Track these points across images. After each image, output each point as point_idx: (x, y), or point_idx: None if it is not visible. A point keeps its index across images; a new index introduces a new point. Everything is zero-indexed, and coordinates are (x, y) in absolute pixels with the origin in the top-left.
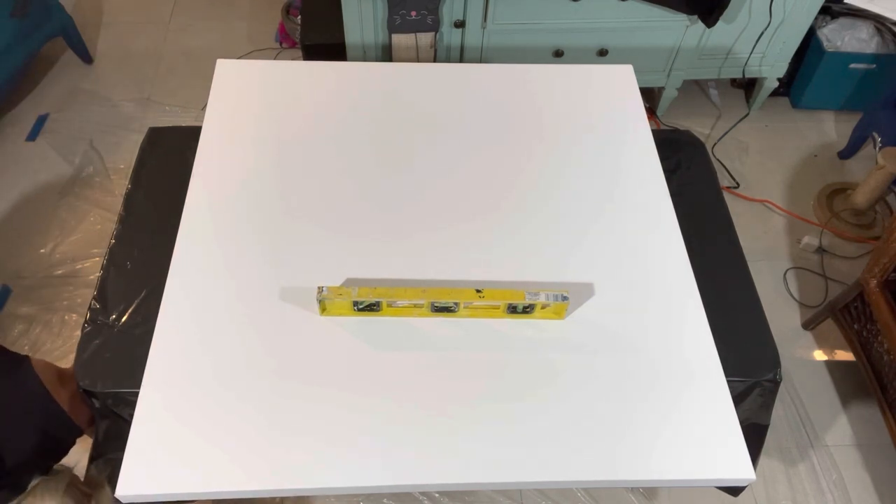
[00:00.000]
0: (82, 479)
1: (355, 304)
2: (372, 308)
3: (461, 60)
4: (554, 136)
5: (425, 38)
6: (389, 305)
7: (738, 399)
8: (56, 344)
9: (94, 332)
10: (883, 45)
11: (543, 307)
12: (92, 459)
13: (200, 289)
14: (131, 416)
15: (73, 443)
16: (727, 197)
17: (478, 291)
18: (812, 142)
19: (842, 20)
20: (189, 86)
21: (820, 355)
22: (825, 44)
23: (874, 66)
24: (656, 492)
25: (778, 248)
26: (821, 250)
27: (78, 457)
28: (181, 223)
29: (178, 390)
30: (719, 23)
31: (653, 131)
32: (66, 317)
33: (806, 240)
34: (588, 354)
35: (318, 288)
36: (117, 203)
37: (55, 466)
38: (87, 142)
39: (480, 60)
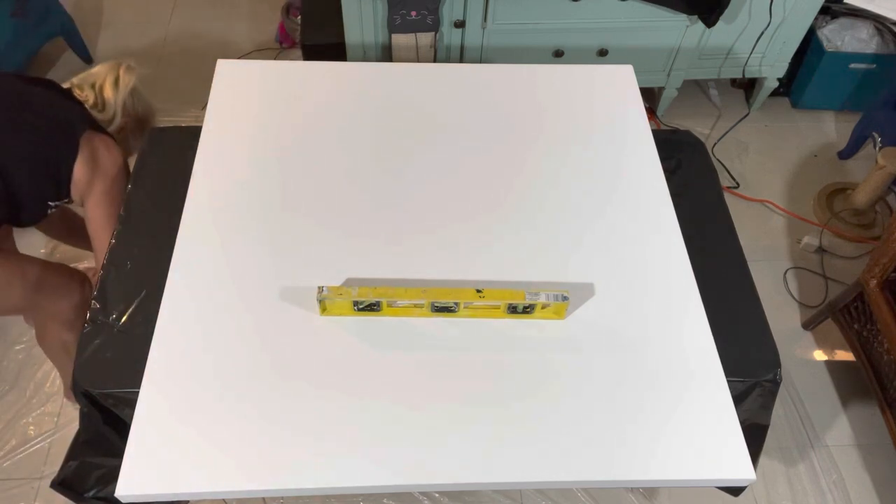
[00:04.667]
0: (56, 480)
1: (355, 303)
2: (372, 308)
3: (461, 60)
4: (554, 136)
5: (425, 38)
6: (390, 305)
7: (738, 399)
8: None
9: (95, 333)
10: (883, 45)
11: (544, 307)
12: (67, 461)
13: (201, 289)
14: (131, 416)
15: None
16: (727, 197)
17: (478, 291)
18: (812, 142)
19: (842, 20)
20: (189, 86)
21: (820, 355)
22: (825, 44)
23: (874, 66)
24: (656, 491)
25: (778, 248)
26: (821, 250)
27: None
28: (181, 223)
29: (179, 390)
30: (719, 23)
31: (653, 131)
32: None
33: (806, 240)
34: (588, 354)
35: (319, 288)
36: None
37: None
38: None
39: (480, 60)
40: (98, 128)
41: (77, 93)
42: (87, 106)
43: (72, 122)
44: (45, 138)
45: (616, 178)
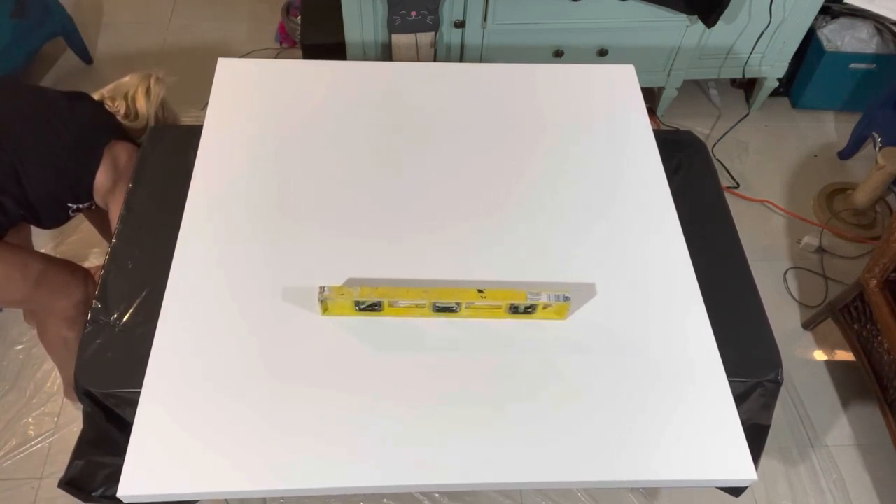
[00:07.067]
0: (64, 479)
1: (357, 304)
2: (373, 308)
3: (461, 60)
4: (555, 136)
5: (425, 38)
6: (391, 305)
7: (740, 399)
8: None
9: (96, 332)
10: (883, 45)
11: (545, 307)
12: (73, 460)
13: (202, 289)
14: (133, 416)
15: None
16: (727, 197)
17: (479, 291)
18: (812, 142)
19: (842, 20)
20: (189, 85)
21: (820, 355)
22: (825, 44)
23: (874, 66)
24: (657, 491)
25: (778, 248)
26: (821, 250)
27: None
28: (182, 223)
29: (180, 390)
30: (719, 23)
31: (654, 132)
32: None
33: (806, 240)
34: (590, 355)
35: (320, 288)
36: None
37: None
38: None
39: (480, 60)
40: (122, 136)
41: (108, 104)
42: (118, 116)
43: (97, 132)
44: (67, 147)
45: (618, 178)
